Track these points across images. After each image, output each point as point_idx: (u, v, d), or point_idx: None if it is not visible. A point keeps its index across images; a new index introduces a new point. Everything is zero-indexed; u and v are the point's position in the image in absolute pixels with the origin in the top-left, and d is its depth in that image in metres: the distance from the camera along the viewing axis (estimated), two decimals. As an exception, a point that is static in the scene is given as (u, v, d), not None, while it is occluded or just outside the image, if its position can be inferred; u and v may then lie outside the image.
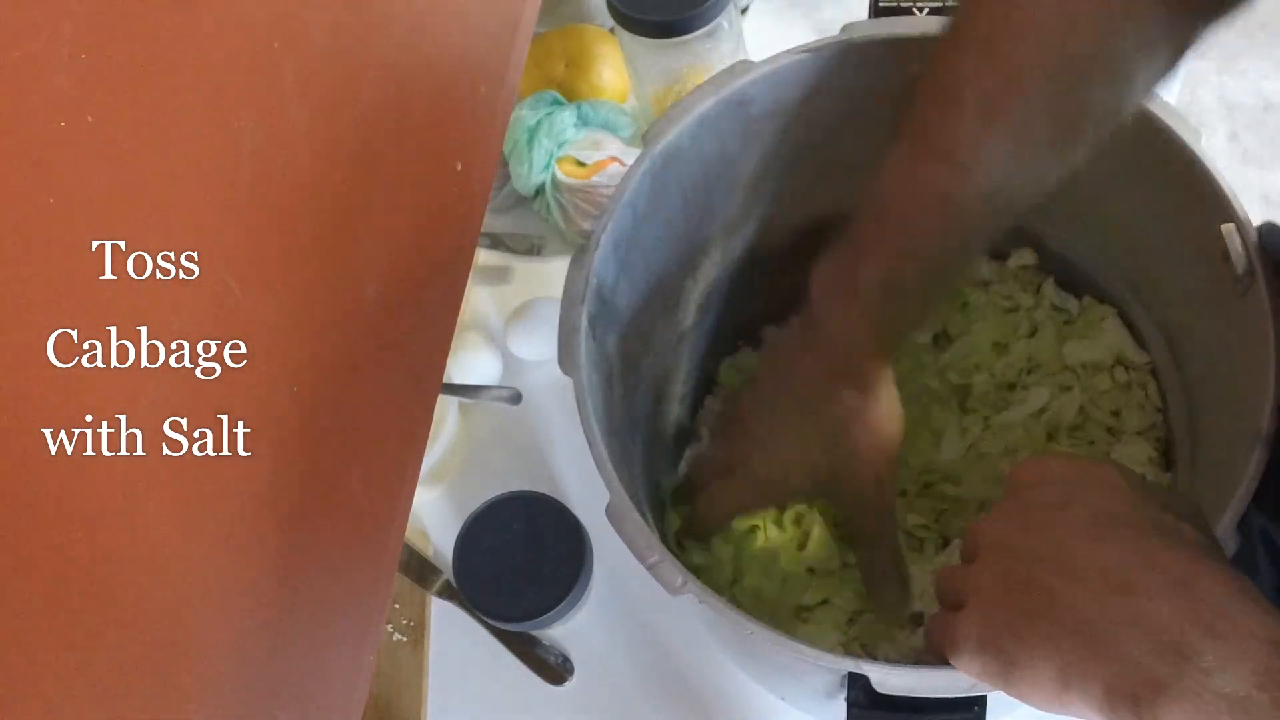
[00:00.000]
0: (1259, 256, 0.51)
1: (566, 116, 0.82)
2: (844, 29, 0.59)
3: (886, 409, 0.57)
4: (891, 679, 0.45)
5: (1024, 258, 0.71)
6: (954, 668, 0.43)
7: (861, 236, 0.53)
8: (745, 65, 0.59)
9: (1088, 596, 0.38)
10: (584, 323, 0.55)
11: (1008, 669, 0.40)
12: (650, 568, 0.49)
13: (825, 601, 0.64)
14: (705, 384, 0.74)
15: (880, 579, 0.60)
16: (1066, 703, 0.38)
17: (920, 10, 0.78)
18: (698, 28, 0.75)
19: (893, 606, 0.61)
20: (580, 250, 0.57)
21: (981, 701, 0.46)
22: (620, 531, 0.50)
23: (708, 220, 0.66)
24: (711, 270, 0.69)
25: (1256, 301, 0.50)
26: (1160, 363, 0.66)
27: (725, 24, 0.77)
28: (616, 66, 0.88)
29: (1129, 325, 0.67)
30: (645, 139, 0.59)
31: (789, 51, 0.59)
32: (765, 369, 0.61)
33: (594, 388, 0.55)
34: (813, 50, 0.59)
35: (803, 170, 0.65)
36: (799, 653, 0.47)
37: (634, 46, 0.79)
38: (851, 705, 0.47)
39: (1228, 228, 0.52)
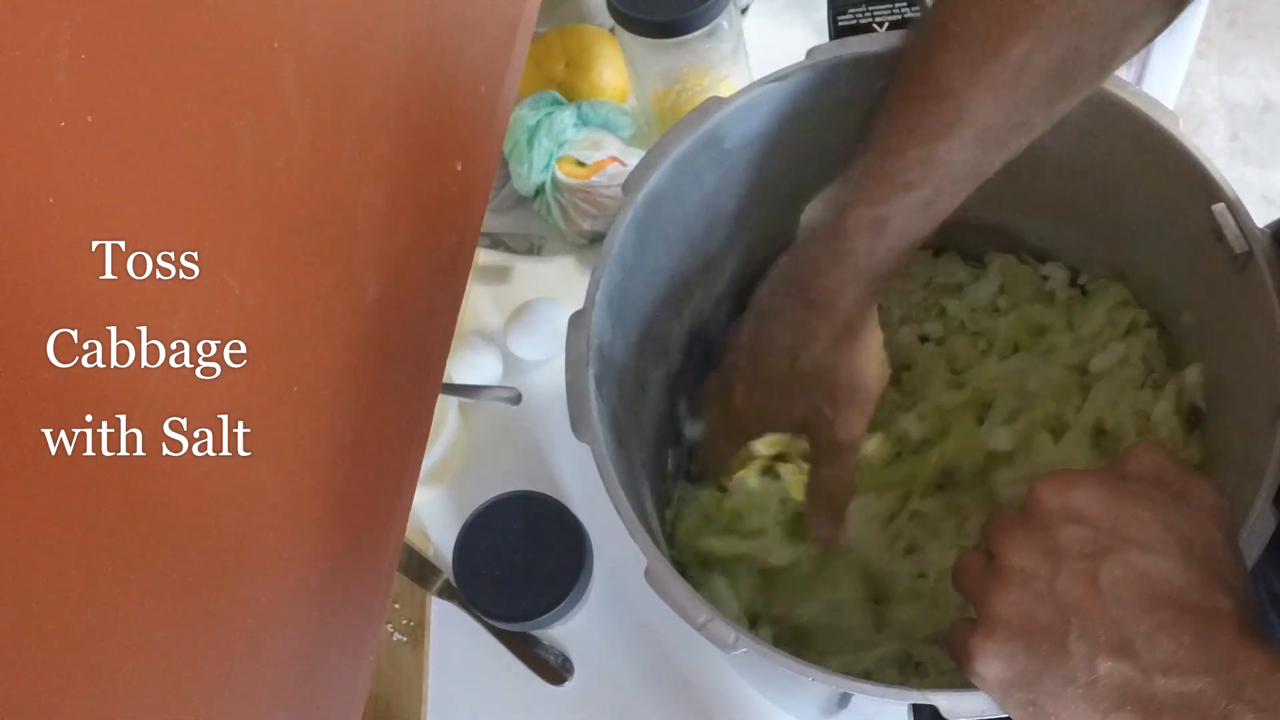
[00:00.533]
0: (1256, 233, 0.51)
1: (566, 116, 0.82)
2: (809, 53, 0.59)
3: (871, 351, 0.57)
4: (962, 704, 0.44)
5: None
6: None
7: (851, 176, 0.53)
8: (716, 101, 0.59)
9: (1136, 674, 0.38)
10: (591, 385, 0.54)
11: (1039, 716, 0.40)
12: (700, 628, 0.49)
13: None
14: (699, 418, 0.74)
15: (820, 500, 0.61)
16: None
17: (880, 26, 0.78)
18: (698, 28, 0.75)
19: (823, 525, 0.61)
20: (578, 313, 0.56)
21: None
22: (664, 596, 0.50)
23: (690, 260, 0.66)
24: (696, 309, 0.69)
25: (1255, 278, 0.51)
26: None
27: (725, 24, 0.77)
28: (616, 66, 0.88)
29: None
30: (625, 188, 0.59)
31: (757, 83, 0.59)
32: (754, 312, 0.60)
33: (613, 449, 0.54)
34: (779, 79, 0.59)
35: (778, 197, 0.65)
36: (864, 691, 0.46)
37: (634, 46, 0.79)
38: None
39: (1219, 208, 0.52)
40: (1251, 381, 0.52)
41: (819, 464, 0.61)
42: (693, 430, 0.69)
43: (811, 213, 0.55)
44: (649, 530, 0.54)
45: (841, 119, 0.58)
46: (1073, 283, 0.70)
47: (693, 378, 0.71)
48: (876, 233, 0.52)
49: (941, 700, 0.44)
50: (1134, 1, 0.47)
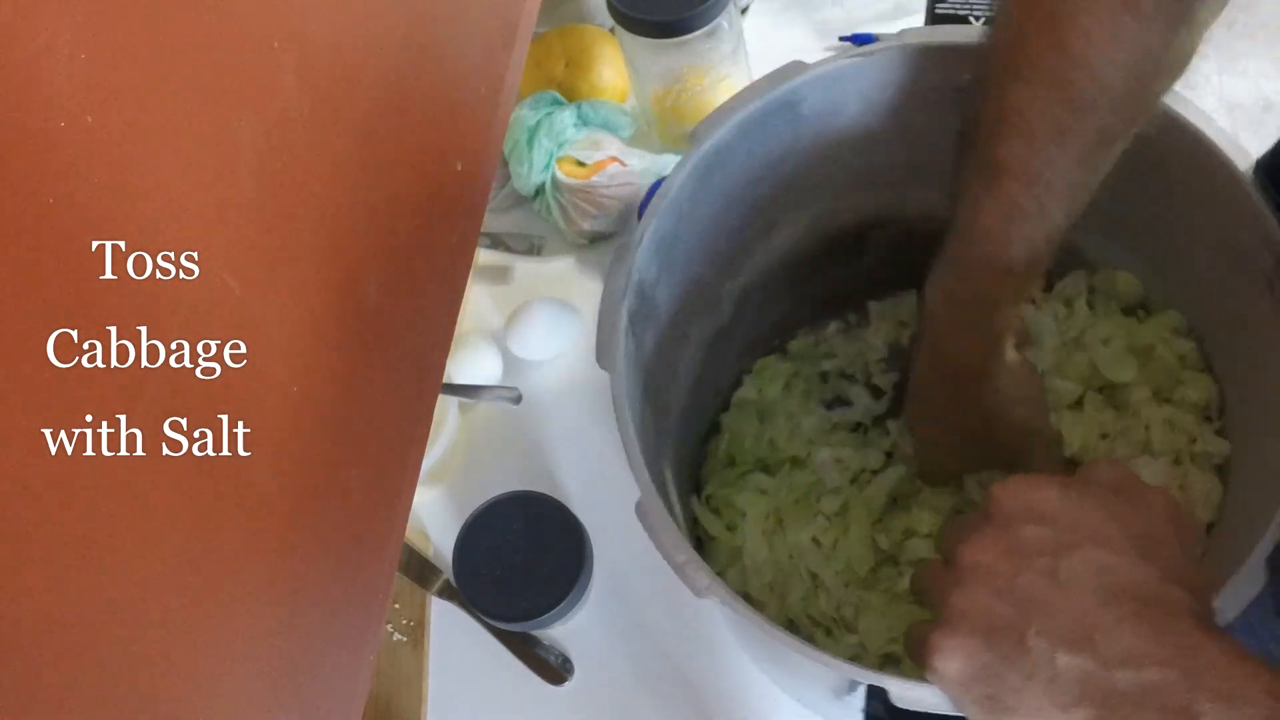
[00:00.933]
0: None
1: (566, 116, 0.82)
2: (900, 34, 0.58)
3: (1020, 380, 0.59)
4: (911, 693, 0.44)
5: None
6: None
7: (955, 256, 0.55)
8: (798, 66, 0.59)
9: (1096, 668, 0.38)
10: (624, 320, 0.55)
11: (1001, 713, 0.40)
12: (677, 568, 0.49)
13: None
14: (735, 383, 0.74)
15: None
16: None
17: (976, 19, 0.78)
18: (698, 28, 0.75)
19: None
20: (622, 247, 0.57)
21: None
22: (648, 529, 0.50)
23: (750, 219, 0.66)
24: (750, 271, 0.69)
25: None
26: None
27: (725, 24, 0.77)
28: (616, 66, 0.88)
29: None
30: (692, 137, 0.59)
31: (844, 53, 0.59)
32: (911, 405, 0.64)
33: (631, 386, 0.55)
34: (865, 54, 0.58)
35: (848, 174, 0.65)
36: (823, 661, 0.46)
37: (634, 46, 0.79)
38: (869, 717, 0.47)
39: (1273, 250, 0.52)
40: (1273, 402, 0.52)
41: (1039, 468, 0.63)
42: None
43: (935, 300, 0.57)
44: (657, 472, 0.54)
45: (925, 107, 0.58)
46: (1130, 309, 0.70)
47: (740, 337, 0.71)
48: (1001, 306, 0.55)
49: (893, 685, 0.45)
50: (1191, 37, 0.48)
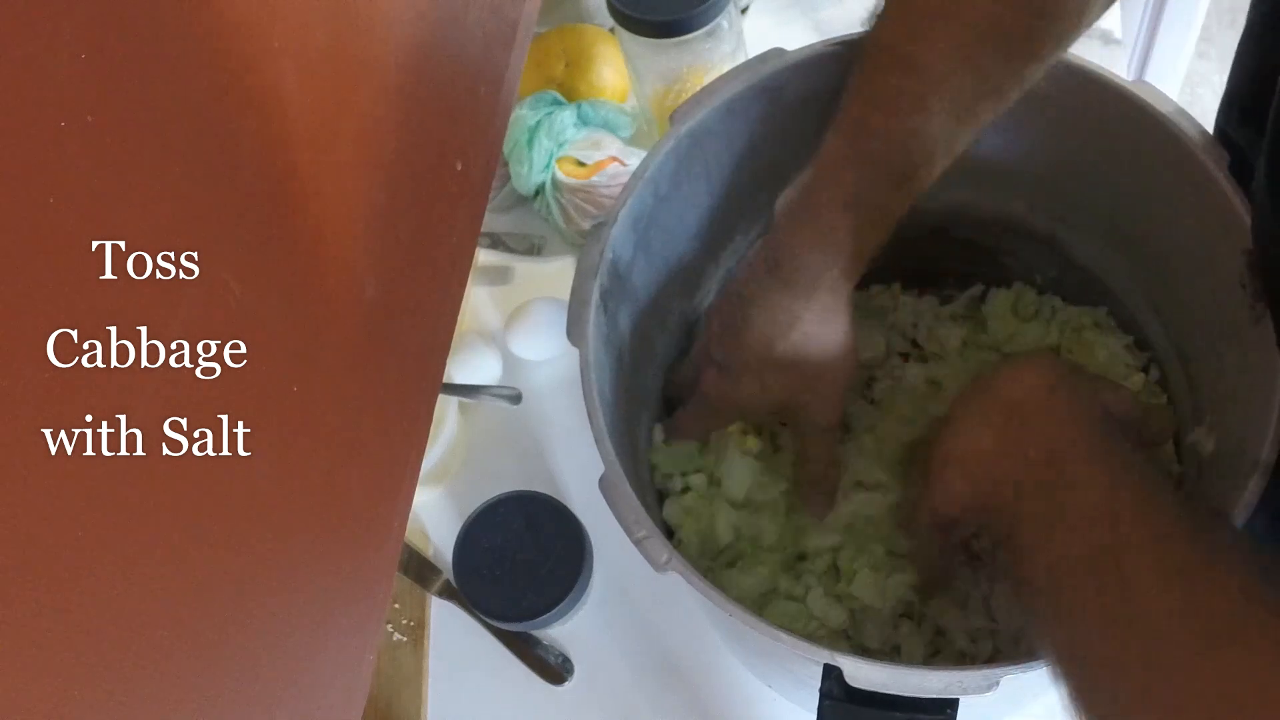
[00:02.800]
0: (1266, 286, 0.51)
1: (566, 116, 0.82)
2: None
3: (846, 334, 0.57)
4: (864, 672, 0.45)
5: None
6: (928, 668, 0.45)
7: (822, 157, 0.53)
8: (778, 53, 0.59)
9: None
10: (595, 296, 0.56)
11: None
12: (637, 542, 0.50)
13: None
14: None
15: (811, 483, 0.63)
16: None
17: None
18: (698, 28, 0.75)
19: (814, 504, 0.63)
20: (597, 225, 0.57)
21: (954, 704, 0.46)
22: (611, 504, 0.51)
23: (734, 203, 0.66)
24: (734, 255, 0.69)
25: (1265, 330, 0.51)
26: (1175, 385, 0.65)
27: (725, 24, 0.77)
28: (616, 66, 0.88)
29: (1148, 344, 0.67)
30: (672, 118, 0.59)
31: (824, 42, 0.59)
32: (730, 295, 0.61)
33: (600, 361, 0.56)
34: (846, 43, 0.59)
35: None
36: (775, 637, 0.47)
37: (634, 46, 0.79)
38: (824, 696, 0.47)
39: (1247, 255, 0.52)
40: (1243, 432, 0.53)
41: (804, 446, 0.62)
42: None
43: (786, 197, 0.55)
44: (627, 446, 0.54)
45: None
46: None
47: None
48: (851, 210, 0.53)
49: (847, 664, 0.45)
50: None
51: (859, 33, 0.57)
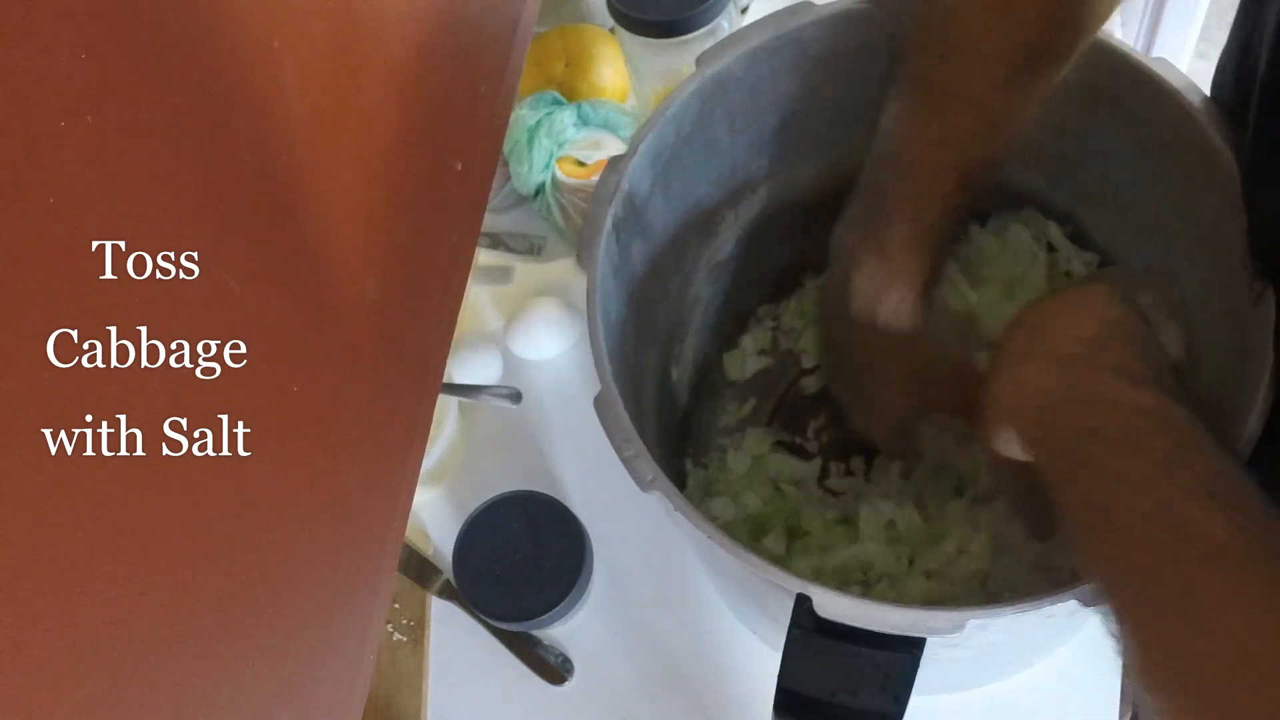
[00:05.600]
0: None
1: (566, 116, 0.82)
2: None
3: (938, 319, 0.59)
4: (833, 604, 0.45)
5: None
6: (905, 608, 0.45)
7: (880, 193, 0.55)
8: (807, 6, 0.59)
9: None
10: (608, 223, 0.56)
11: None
12: (625, 460, 0.50)
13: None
14: (740, 320, 0.75)
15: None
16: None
17: None
18: (698, 28, 0.75)
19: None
20: (616, 157, 0.58)
21: (920, 644, 0.46)
22: (603, 422, 0.51)
23: (756, 153, 0.66)
24: (755, 205, 0.69)
25: (1265, 311, 0.51)
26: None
27: (725, 24, 0.77)
28: (616, 66, 0.88)
29: None
30: (698, 61, 0.59)
31: None
32: (828, 349, 0.64)
33: (607, 287, 0.57)
34: (874, 2, 0.59)
35: (856, 124, 0.65)
36: (748, 562, 0.47)
37: (634, 46, 0.79)
38: (794, 625, 0.47)
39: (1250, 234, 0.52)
40: (1234, 411, 0.52)
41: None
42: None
43: (845, 237, 0.57)
44: (629, 376, 0.55)
45: None
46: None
47: (741, 278, 0.72)
48: (915, 247, 0.55)
49: (817, 594, 0.46)
50: None
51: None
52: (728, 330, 0.75)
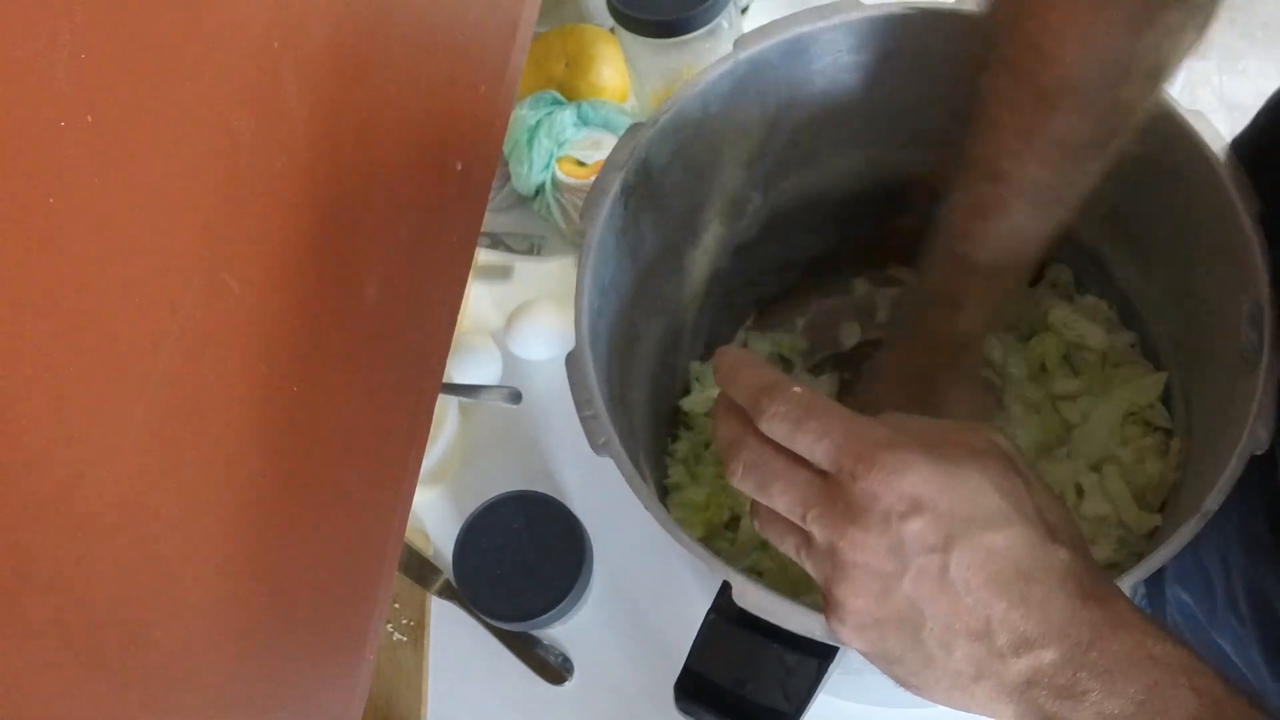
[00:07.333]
0: (1270, 339, 0.49)
1: (566, 116, 0.82)
2: None
3: (973, 404, 0.60)
4: (750, 594, 0.45)
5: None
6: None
7: (926, 250, 0.56)
8: (852, 2, 0.59)
9: (990, 656, 0.39)
10: (616, 186, 0.57)
11: (907, 686, 0.42)
12: (582, 420, 0.50)
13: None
14: (760, 303, 0.75)
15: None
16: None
17: None
18: (698, 28, 0.75)
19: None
20: (635, 125, 0.58)
21: (831, 653, 0.46)
22: (571, 378, 0.51)
23: (788, 138, 0.65)
24: (783, 190, 0.68)
25: (1253, 386, 0.49)
26: (1179, 424, 0.64)
27: (725, 24, 0.77)
28: (616, 66, 0.88)
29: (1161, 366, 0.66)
30: (736, 43, 0.59)
31: (899, 3, 0.58)
32: (864, 389, 0.63)
33: (605, 247, 0.56)
34: (918, 8, 0.58)
35: (894, 125, 0.65)
36: (679, 540, 0.47)
37: (634, 46, 0.79)
38: (712, 610, 0.47)
39: (1250, 302, 0.51)
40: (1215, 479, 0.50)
41: None
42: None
43: (904, 295, 0.58)
44: (620, 341, 0.55)
45: (964, 78, 0.55)
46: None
47: (764, 262, 0.71)
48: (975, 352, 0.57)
49: (737, 581, 0.45)
50: (1163, 41, 0.47)
51: (937, 3, 0.57)
52: (742, 314, 0.75)
